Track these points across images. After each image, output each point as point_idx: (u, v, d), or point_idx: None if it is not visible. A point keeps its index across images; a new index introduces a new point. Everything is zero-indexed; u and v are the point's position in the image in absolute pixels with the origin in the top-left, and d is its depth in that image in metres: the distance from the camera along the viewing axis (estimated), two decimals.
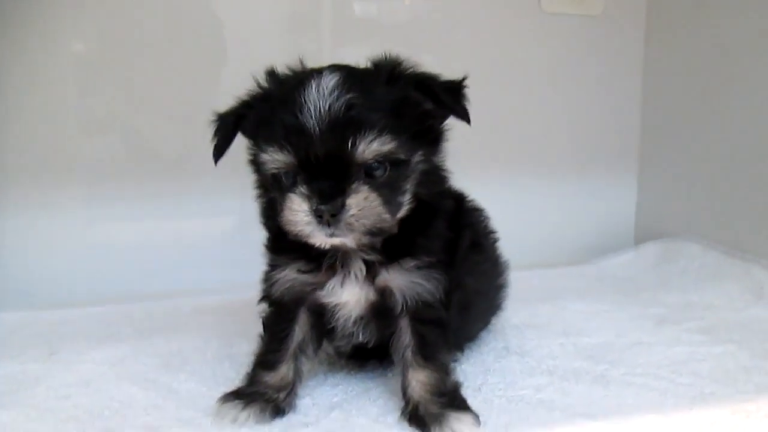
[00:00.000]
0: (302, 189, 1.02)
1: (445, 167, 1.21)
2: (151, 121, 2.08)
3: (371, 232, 1.03)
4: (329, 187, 1.01)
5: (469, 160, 2.27)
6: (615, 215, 2.54)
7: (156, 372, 1.39)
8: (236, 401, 1.15)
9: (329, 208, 1.00)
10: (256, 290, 1.28)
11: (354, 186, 1.01)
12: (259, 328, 1.28)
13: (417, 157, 1.10)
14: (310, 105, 1.01)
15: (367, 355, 1.32)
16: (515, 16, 2.32)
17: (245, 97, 1.15)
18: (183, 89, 2.05)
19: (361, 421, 1.14)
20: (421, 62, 1.15)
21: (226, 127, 1.14)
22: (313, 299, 1.17)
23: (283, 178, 1.05)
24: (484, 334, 1.56)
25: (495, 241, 1.47)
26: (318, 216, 1.01)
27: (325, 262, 1.14)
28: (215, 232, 2.17)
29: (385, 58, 1.13)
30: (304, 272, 1.15)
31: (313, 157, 1.01)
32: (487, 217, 1.43)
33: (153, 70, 2.02)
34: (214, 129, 1.15)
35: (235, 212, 2.13)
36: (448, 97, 1.11)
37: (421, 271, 1.14)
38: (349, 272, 1.14)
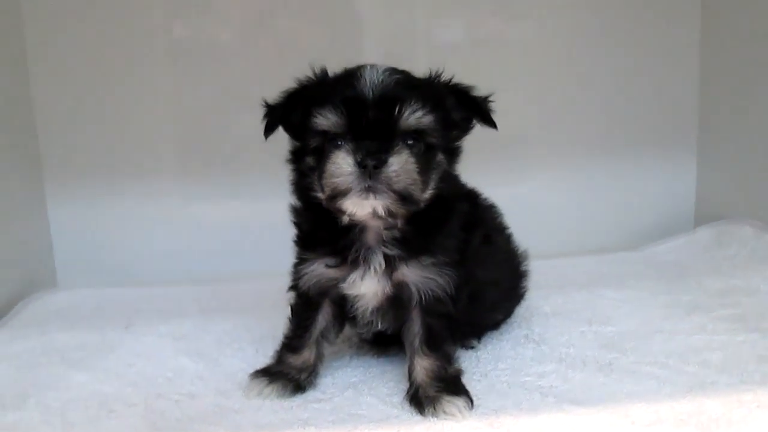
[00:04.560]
0: (349, 145, 1.14)
1: (459, 178, 1.34)
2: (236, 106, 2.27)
3: (403, 197, 1.14)
4: (375, 145, 1.13)
5: (526, 146, 2.37)
6: (674, 198, 2.52)
7: (208, 347, 1.59)
8: (263, 378, 1.32)
9: (373, 160, 1.11)
10: None
11: (397, 148, 1.14)
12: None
13: (440, 156, 1.23)
14: (365, 79, 1.16)
15: (391, 341, 1.45)
16: (555, 2, 2.33)
17: (297, 84, 1.28)
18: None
19: (370, 400, 1.28)
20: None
21: (277, 109, 1.28)
22: (337, 291, 1.30)
23: (327, 145, 1.17)
24: (509, 322, 1.65)
25: (508, 235, 1.56)
26: (362, 167, 1.12)
27: (350, 256, 1.26)
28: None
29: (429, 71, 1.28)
30: (330, 267, 1.28)
31: (363, 119, 1.13)
32: (499, 214, 1.52)
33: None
34: (265, 113, 1.29)
35: None
36: (483, 104, 1.26)
37: (435, 268, 1.25)
38: (370, 267, 1.25)
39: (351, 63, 2.25)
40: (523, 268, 1.61)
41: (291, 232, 2.22)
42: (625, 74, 2.41)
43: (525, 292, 1.64)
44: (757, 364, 1.36)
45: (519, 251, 1.60)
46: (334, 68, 1.33)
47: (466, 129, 1.29)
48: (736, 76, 2.26)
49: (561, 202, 2.45)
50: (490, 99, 1.28)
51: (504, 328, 1.62)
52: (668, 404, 1.21)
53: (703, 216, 2.44)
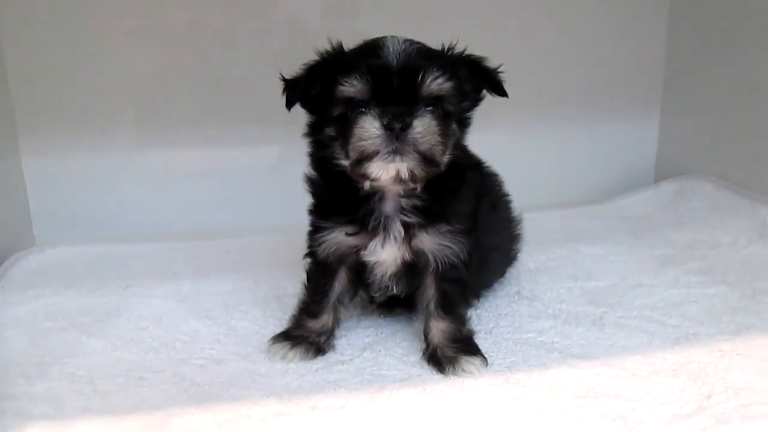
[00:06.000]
0: (375, 111, 1.20)
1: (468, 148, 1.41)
2: (207, 46, 2.22)
3: (426, 158, 1.21)
4: (400, 109, 1.19)
5: (495, 102, 2.42)
6: (636, 154, 2.64)
7: (216, 310, 1.62)
8: (285, 342, 1.39)
9: (399, 123, 1.18)
10: (300, 232, 1.45)
11: (420, 112, 1.20)
12: (302, 276, 1.47)
13: (454, 125, 1.29)
14: (389, 49, 1.21)
15: (395, 303, 1.53)
16: None
17: (317, 57, 1.30)
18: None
19: (389, 360, 1.36)
20: None
21: (297, 84, 1.29)
22: (355, 258, 1.36)
23: (351, 114, 1.22)
24: (501, 279, 1.75)
25: (508, 202, 1.65)
26: (389, 129, 1.18)
27: (370, 224, 1.31)
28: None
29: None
30: (350, 234, 1.33)
31: (388, 86, 1.19)
32: (501, 182, 1.60)
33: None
34: (284, 88, 1.30)
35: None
36: (494, 74, 1.32)
37: (451, 235, 1.33)
38: (389, 234, 1.32)
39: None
40: (517, 231, 1.70)
41: (275, 186, 2.28)
42: (591, 30, 2.47)
43: (518, 254, 1.75)
44: (731, 315, 1.52)
45: (514, 215, 1.69)
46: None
47: (476, 100, 1.35)
48: (701, 36, 2.37)
49: (526, 156, 2.51)
50: (500, 70, 1.33)
51: (496, 285, 1.72)
52: (660, 356, 1.34)
53: (664, 171, 2.59)
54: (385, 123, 1.18)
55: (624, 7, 2.46)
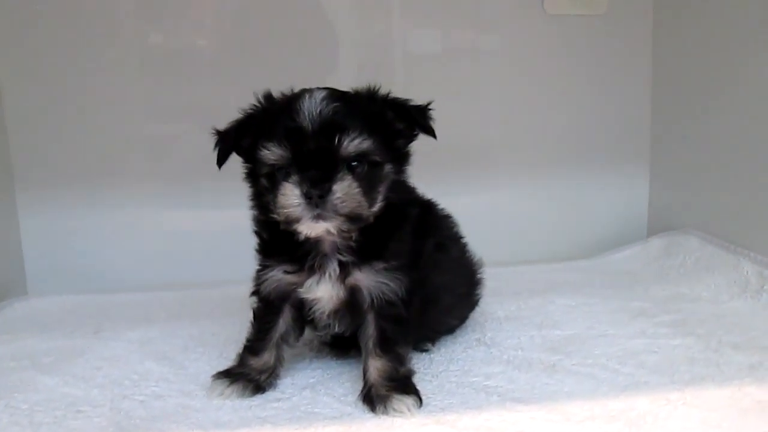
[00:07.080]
0: (295, 177, 1.22)
1: (409, 182, 1.41)
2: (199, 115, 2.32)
3: (350, 218, 1.23)
4: (318, 175, 1.21)
5: (488, 156, 2.47)
6: (629, 210, 2.64)
7: (175, 352, 1.64)
8: (225, 379, 1.39)
9: (318, 190, 1.20)
10: None
11: (339, 175, 1.22)
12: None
13: (388, 167, 1.31)
14: (305, 111, 1.23)
15: (349, 344, 1.52)
16: (519, 19, 2.44)
17: (244, 113, 1.36)
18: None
19: (326, 399, 1.35)
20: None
21: (229, 136, 1.34)
22: (295, 296, 1.38)
23: (277, 174, 1.26)
24: (463, 327, 1.73)
25: (464, 244, 1.64)
26: (308, 198, 1.20)
27: (307, 263, 1.34)
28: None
29: (367, 85, 1.35)
30: (289, 273, 1.37)
31: (306, 151, 1.21)
32: (455, 223, 1.60)
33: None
34: (217, 141, 1.35)
35: None
36: (419, 116, 1.33)
37: (387, 273, 1.34)
38: (325, 272, 1.34)
39: (326, 74, 2.38)
40: (478, 276, 1.69)
41: (254, 241, 2.33)
42: (583, 96, 2.53)
43: (479, 298, 1.73)
44: (689, 365, 1.46)
45: (474, 260, 1.68)
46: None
47: (410, 136, 1.36)
48: (685, 96, 2.39)
49: (521, 211, 2.55)
50: (430, 107, 1.34)
51: (458, 332, 1.70)
52: (602, 402, 1.30)
53: (656, 227, 2.56)
54: (305, 191, 1.21)
55: (612, 69, 2.52)
